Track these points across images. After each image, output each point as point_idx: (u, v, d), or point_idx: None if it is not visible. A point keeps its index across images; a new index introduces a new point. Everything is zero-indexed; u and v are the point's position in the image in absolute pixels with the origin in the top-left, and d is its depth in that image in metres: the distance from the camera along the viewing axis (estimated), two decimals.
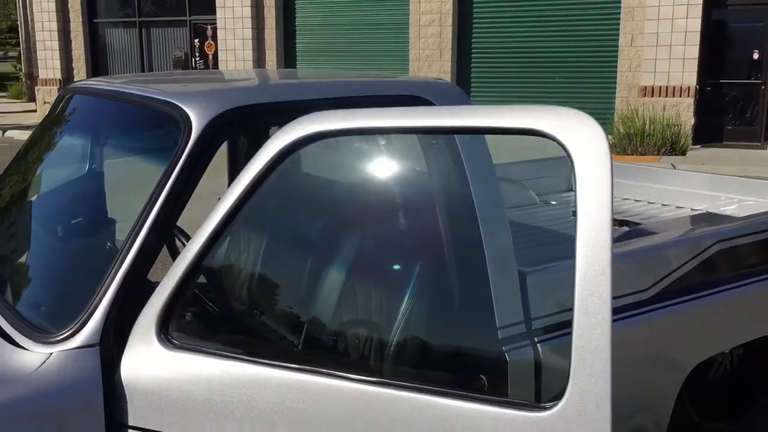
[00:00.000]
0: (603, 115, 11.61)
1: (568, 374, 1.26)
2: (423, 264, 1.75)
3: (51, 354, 1.59)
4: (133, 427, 1.59)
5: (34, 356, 1.59)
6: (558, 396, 1.27)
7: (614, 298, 2.43)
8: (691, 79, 11.32)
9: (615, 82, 11.92)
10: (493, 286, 1.75)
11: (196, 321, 1.67)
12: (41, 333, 1.65)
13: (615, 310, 2.42)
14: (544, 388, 1.76)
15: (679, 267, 2.56)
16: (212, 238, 1.58)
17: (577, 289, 1.25)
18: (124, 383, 1.60)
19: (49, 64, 16.79)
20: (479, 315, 1.75)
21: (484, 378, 1.58)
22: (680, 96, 11.41)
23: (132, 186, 2.06)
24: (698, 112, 11.44)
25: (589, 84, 12.18)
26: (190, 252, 1.61)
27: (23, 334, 1.67)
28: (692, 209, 3.97)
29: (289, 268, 1.74)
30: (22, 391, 1.52)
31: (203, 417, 1.54)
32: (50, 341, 1.62)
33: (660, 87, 11.51)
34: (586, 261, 1.25)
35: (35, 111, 17.03)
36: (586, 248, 1.25)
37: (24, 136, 12.90)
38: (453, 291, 1.75)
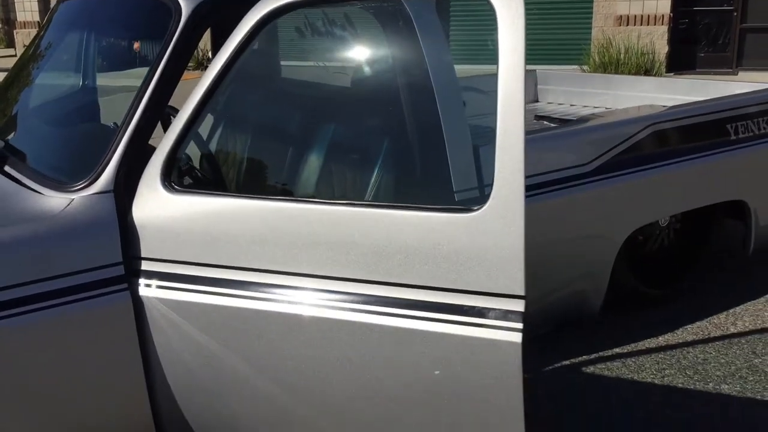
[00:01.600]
0: (579, 46, 11.85)
1: (492, 186, 1.60)
2: (389, 141, 2.07)
3: (73, 199, 1.92)
4: (145, 258, 1.93)
5: (59, 201, 1.92)
6: (483, 201, 1.61)
7: (557, 170, 2.79)
8: (665, 7, 11.54)
9: (591, 12, 12.11)
10: (450, 157, 2.07)
11: (193, 171, 1.99)
12: (63, 184, 1.97)
13: (558, 181, 2.78)
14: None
15: (617, 146, 2.91)
16: (203, 100, 1.90)
17: (499, 111, 1.57)
18: (135, 223, 1.93)
19: (26, 6, 16.69)
20: (438, 182, 2.06)
21: None
22: (654, 24, 11.65)
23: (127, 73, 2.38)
24: (672, 40, 11.70)
25: (565, 14, 12.36)
26: (185, 112, 1.92)
27: (48, 187, 2.00)
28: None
29: (270, 127, 2.06)
30: (53, 226, 1.85)
31: (201, 244, 1.87)
32: (72, 190, 1.95)
33: (635, 16, 11.73)
34: (505, 88, 1.57)
35: (15, 56, 17.00)
36: (505, 78, 1.57)
37: None
38: (415, 164, 2.06)
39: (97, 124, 2.40)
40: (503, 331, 1.59)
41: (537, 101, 5.13)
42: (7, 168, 2.24)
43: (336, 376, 1.76)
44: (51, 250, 1.83)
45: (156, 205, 1.93)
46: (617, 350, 2.92)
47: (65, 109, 2.41)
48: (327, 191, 1.91)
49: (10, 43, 18.84)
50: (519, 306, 1.59)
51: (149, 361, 1.95)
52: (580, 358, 2.87)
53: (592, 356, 2.88)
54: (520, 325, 1.58)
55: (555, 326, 3.03)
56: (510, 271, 1.58)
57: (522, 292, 1.59)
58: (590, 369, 2.79)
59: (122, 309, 1.89)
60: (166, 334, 1.91)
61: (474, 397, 1.64)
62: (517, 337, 1.58)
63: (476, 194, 2.15)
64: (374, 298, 1.71)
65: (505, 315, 1.59)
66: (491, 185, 1.60)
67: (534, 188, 2.70)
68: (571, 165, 2.80)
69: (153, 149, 2.02)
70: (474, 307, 1.62)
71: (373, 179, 1.93)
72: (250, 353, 1.84)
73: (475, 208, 1.62)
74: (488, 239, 1.60)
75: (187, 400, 1.96)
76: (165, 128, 2.40)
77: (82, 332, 1.85)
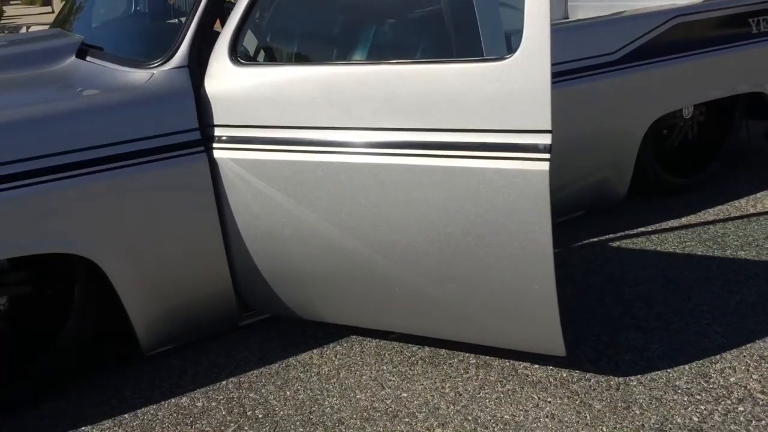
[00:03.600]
0: None
1: (521, 36, 1.82)
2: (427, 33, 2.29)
3: (153, 74, 2.20)
4: (217, 125, 2.20)
5: (143, 74, 2.20)
6: (514, 50, 1.84)
7: (584, 58, 2.98)
8: None
9: None
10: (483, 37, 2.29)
11: (257, 49, 2.25)
12: (143, 62, 2.25)
13: (584, 69, 2.97)
14: None
15: (642, 36, 3.09)
16: None
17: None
18: (208, 94, 2.20)
19: None
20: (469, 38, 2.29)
21: None
22: None
23: None
24: None
25: None
26: None
27: (130, 66, 2.28)
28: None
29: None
30: (138, 94, 2.14)
31: (266, 108, 2.13)
32: (151, 66, 2.22)
33: None
34: None
35: (52, 13, 17.33)
36: None
37: None
38: (450, 26, 2.29)
39: (164, 17, 2.68)
40: (534, 162, 1.84)
41: (566, 18, 5.27)
42: (88, 58, 2.53)
43: (390, 216, 2.03)
44: (138, 115, 2.11)
45: (225, 77, 2.20)
46: (641, 229, 3.15)
47: (134, 6, 2.69)
48: (374, 54, 2.15)
49: (46, 2, 19.21)
50: (547, 139, 1.83)
51: (224, 214, 2.24)
52: (606, 236, 3.10)
53: (618, 234, 3.12)
54: (548, 156, 1.83)
55: (582, 210, 3.26)
56: (539, 109, 1.82)
57: (550, 127, 1.82)
58: (616, 243, 3.02)
59: (200, 169, 2.17)
60: (239, 189, 2.19)
61: (509, 219, 1.89)
62: (545, 166, 1.83)
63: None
64: (420, 143, 1.96)
65: (536, 147, 1.83)
66: (518, 36, 1.83)
67: (560, 75, 2.91)
68: (597, 54, 2.99)
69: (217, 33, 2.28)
70: (508, 143, 1.87)
71: (413, 40, 2.17)
72: (312, 201, 2.12)
73: (507, 56, 1.85)
74: (519, 83, 1.83)
75: (259, 248, 2.25)
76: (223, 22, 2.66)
77: (167, 188, 2.15)
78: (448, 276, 2.04)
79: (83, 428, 2.05)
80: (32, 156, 1.97)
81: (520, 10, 1.96)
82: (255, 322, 2.52)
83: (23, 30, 13.95)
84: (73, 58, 2.54)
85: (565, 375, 2.15)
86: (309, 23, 2.28)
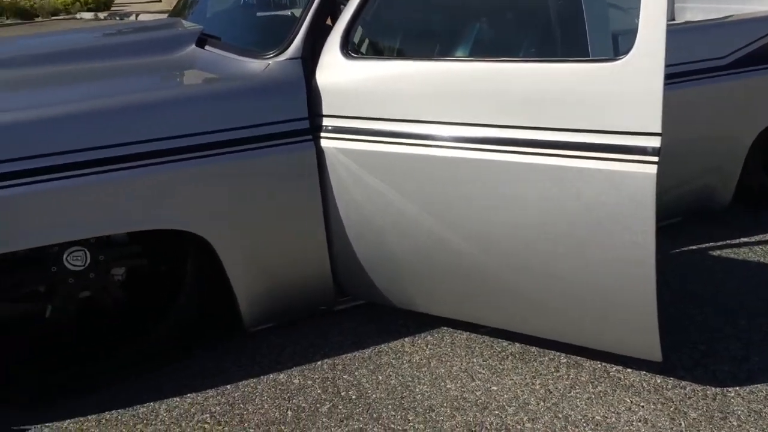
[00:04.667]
0: None
1: (635, 37, 1.81)
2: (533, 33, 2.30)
3: (269, 64, 2.31)
4: (326, 115, 2.29)
5: (259, 64, 2.31)
6: (626, 51, 1.84)
7: (694, 62, 2.91)
8: None
9: None
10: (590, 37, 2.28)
11: (368, 43, 2.32)
12: (260, 53, 2.36)
13: (694, 72, 2.90)
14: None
15: (754, 41, 2.98)
16: None
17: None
18: (318, 85, 2.29)
19: None
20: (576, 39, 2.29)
21: None
22: None
23: None
24: None
25: None
26: None
27: (247, 56, 2.40)
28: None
29: None
30: (255, 83, 2.25)
31: (374, 101, 2.20)
32: (267, 57, 2.33)
33: None
34: None
35: (160, 1, 18.09)
36: None
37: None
38: (557, 26, 2.30)
39: (278, 12, 2.80)
40: (641, 165, 1.83)
41: (673, 20, 5.12)
42: (207, 47, 2.67)
43: (490, 211, 2.07)
44: (254, 102, 2.22)
45: (336, 69, 2.28)
46: (744, 239, 3.05)
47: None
48: (481, 50, 2.19)
49: None
50: (656, 142, 1.81)
51: (327, 201, 2.32)
52: (707, 244, 3.02)
53: (719, 242, 3.03)
54: (656, 159, 1.82)
55: (684, 216, 3.19)
56: (650, 112, 1.81)
57: (660, 130, 1.81)
58: (717, 252, 2.95)
59: (308, 157, 2.26)
60: (343, 178, 2.27)
61: (612, 221, 1.89)
62: (653, 169, 1.82)
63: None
64: (524, 141, 1.98)
65: (644, 150, 1.83)
66: (631, 36, 1.82)
67: (668, 78, 2.85)
68: (706, 57, 2.91)
69: (329, 28, 2.37)
70: (615, 144, 1.86)
71: (518, 37, 2.19)
72: (413, 193, 2.17)
73: (619, 57, 1.85)
74: (631, 84, 1.82)
75: (358, 236, 2.33)
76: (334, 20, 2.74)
77: (276, 173, 2.25)
78: (545, 274, 2.06)
79: (188, 395, 2.18)
80: (154, 138, 2.11)
81: (623, 10, 1.94)
82: (349, 307, 2.61)
83: (132, 18, 14.66)
84: (193, 46, 2.68)
85: (659, 381, 2.13)
86: (418, 19, 2.34)
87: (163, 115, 2.12)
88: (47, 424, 2.08)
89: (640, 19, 1.81)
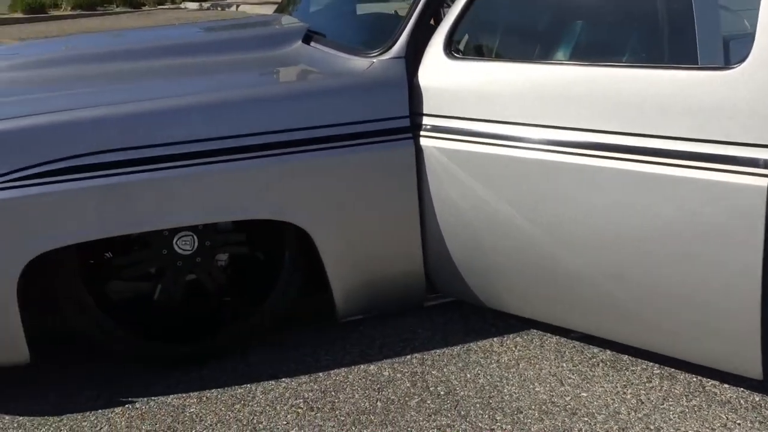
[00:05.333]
0: None
1: (752, 42, 1.76)
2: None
3: (373, 62, 2.36)
4: (426, 114, 2.33)
5: (364, 62, 2.38)
6: (741, 60, 1.78)
7: None
8: None
9: None
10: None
11: (470, 44, 2.34)
12: (365, 51, 2.42)
13: None
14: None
15: None
16: None
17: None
18: (420, 84, 2.33)
19: None
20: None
21: None
22: None
23: None
24: None
25: None
26: None
27: (352, 54, 2.47)
28: None
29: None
30: (360, 81, 2.32)
31: (475, 102, 2.22)
32: (372, 55, 2.38)
33: None
34: None
35: None
36: None
37: (256, 9, 14.39)
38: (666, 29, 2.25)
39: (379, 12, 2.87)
40: (751, 177, 1.78)
41: None
42: (312, 44, 2.76)
43: (589, 216, 2.05)
44: (358, 99, 2.29)
45: (438, 69, 2.31)
46: None
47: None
48: (585, 54, 2.17)
49: None
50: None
51: (423, 199, 2.36)
52: None
53: None
54: (767, 171, 1.76)
55: None
56: (765, 123, 1.75)
57: None
58: None
59: (407, 154, 2.31)
60: (440, 177, 2.31)
61: (716, 233, 1.85)
62: (764, 182, 1.76)
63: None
64: (626, 147, 1.96)
65: (755, 162, 1.77)
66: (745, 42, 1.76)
67: None
68: None
69: (433, 28, 2.40)
70: (724, 155, 1.82)
71: (626, 42, 2.15)
72: (511, 195, 2.18)
73: (732, 66, 1.80)
74: (745, 93, 1.77)
75: (452, 234, 2.36)
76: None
77: (375, 169, 2.31)
78: (641, 282, 2.03)
79: (282, 379, 2.28)
80: (262, 131, 2.21)
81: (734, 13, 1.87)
82: (437, 304, 2.64)
83: (233, 8, 15.14)
84: (300, 42, 2.77)
85: (757, 399, 2.06)
86: (521, 21, 2.34)
87: (271, 110, 2.21)
88: (153, 398, 2.21)
89: (759, 26, 1.76)
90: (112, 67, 2.54)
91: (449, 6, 2.41)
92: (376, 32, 2.72)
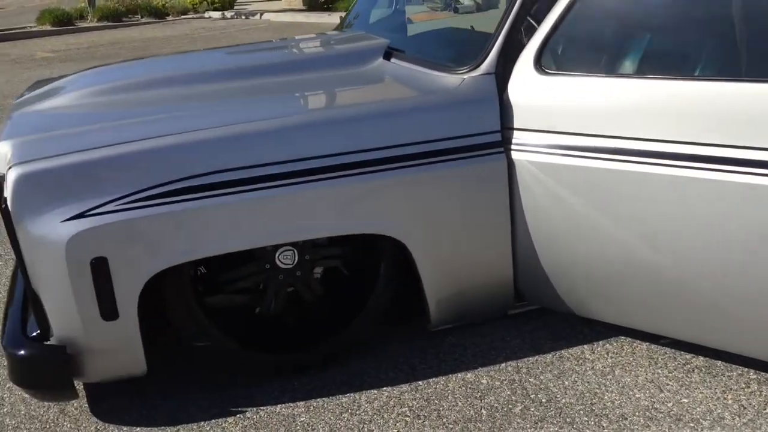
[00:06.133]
0: None
1: None
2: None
3: (464, 78, 2.43)
4: (516, 128, 2.39)
5: (454, 79, 2.44)
6: None
7: None
8: None
9: None
10: None
11: (561, 59, 2.40)
12: (454, 68, 2.49)
13: None
14: None
15: None
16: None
17: None
18: (510, 99, 2.39)
19: None
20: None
21: None
22: None
23: None
24: None
25: None
26: (557, 7, 2.33)
27: (440, 71, 2.54)
28: None
29: (630, 13, 2.39)
30: (452, 98, 2.38)
31: (565, 116, 2.28)
32: (461, 72, 2.45)
33: None
34: None
35: (280, 0, 18.71)
36: None
37: (279, 18, 14.51)
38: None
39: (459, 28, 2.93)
40: None
41: None
42: (393, 60, 2.83)
43: (687, 226, 2.10)
44: (450, 116, 2.36)
45: (528, 84, 2.37)
46: None
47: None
48: (684, 68, 2.22)
49: None
50: None
51: (514, 211, 2.42)
52: None
53: None
54: None
55: None
56: None
57: None
58: None
59: (498, 168, 2.37)
60: (531, 189, 2.37)
61: None
62: None
63: None
64: (729, 160, 2.01)
65: None
66: None
67: None
68: None
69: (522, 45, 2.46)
70: None
71: (733, 54, 2.20)
72: (606, 207, 2.24)
73: None
74: None
75: (542, 245, 2.41)
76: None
77: (468, 183, 2.37)
78: (741, 291, 2.08)
79: (384, 388, 2.34)
80: (359, 149, 2.27)
81: None
82: (521, 312, 2.70)
83: (257, 17, 15.28)
84: (381, 59, 2.84)
85: None
86: (612, 36, 2.39)
87: (372, 128, 2.28)
88: (262, 408, 2.29)
89: None
90: (208, 89, 2.62)
91: (532, 22, 2.47)
92: (457, 48, 2.79)
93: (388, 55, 2.88)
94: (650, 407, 2.16)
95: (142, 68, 3.10)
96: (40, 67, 9.97)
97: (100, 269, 2.05)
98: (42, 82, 3.20)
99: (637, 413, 2.14)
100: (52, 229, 2.01)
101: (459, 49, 2.78)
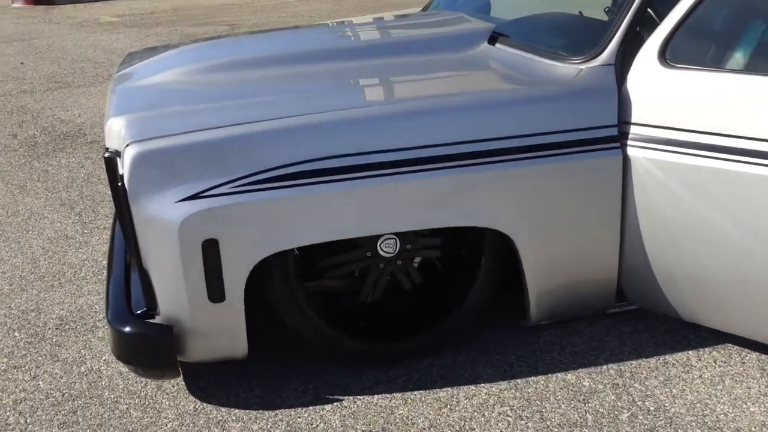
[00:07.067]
0: None
1: None
2: None
3: (581, 69, 2.33)
4: (634, 123, 2.28)
5: (570, 69, 2.34)
6: None
7: None
8: None
9: None
10: None
11: (688, 52, 2.28)
12: (572, 56, 2.38)
13: None
14: None
15: None
16: None
17: None
18: (629, 92, 2.29)
19: None
20: None
21: None
22: None
23: None
24: None
25: None
26: None
27: (553, 59, 2.43)
28: None
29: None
30: (569, 89, 2.29)
31: (689, 113, 2.17)
32: (579, 61, 2.35)
33: None
34: None
35: None
36: None
37: None
38: None
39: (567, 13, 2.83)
40: None
41: None
42: (498, 45, 2.73)
43: None
44: (566, 108, 2.26)
45: (651, 78, 2.26)
46: None
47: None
48: None
49: None
50: None
51: (626, 209, 2.33)
52: None
53: None
54: None
55: None
56: None
57: None
58: None
59: (613, 163, 2.27)
60: (646, 186, 2.27)
61: None
62: None
63: None
64: None
65: None
66: None
67: None
68: None
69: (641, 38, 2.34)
70: None
71: None
72: (729, 209, 2.13)
73: None
74: None
75: (656, 250, 2.32)
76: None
77: (579, 178, 2.28)
78: None
79: (482, 385, 2.29)
80: (467, 140, 2.19)
81: None
82: (619, 312, 2.61)
83: None
84: (485, 44, 2.75)
85: None
86: (751, 30, 2.26)
87: (479, 117, 2.20)
88: (358, 397, 2.26)
89: None
90: (314, 69, 2.55)
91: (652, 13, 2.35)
92: (568, 35, 2.68)
93: (491, 40, 2.79)
94: (767, 423, 2.07)
95: (242, 46, 3.06)
96: (106, 31, 10.06)
97: (210, 251, 2.03)
98: (135, 54, 3.18)
99: (752, 429, 2.05)
100: (167, 209, 1.99)
101: (571, 36, 2.66)
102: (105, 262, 3.21)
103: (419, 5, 4.32)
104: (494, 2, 3.46)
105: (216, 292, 2.07)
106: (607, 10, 3.04)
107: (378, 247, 2.32)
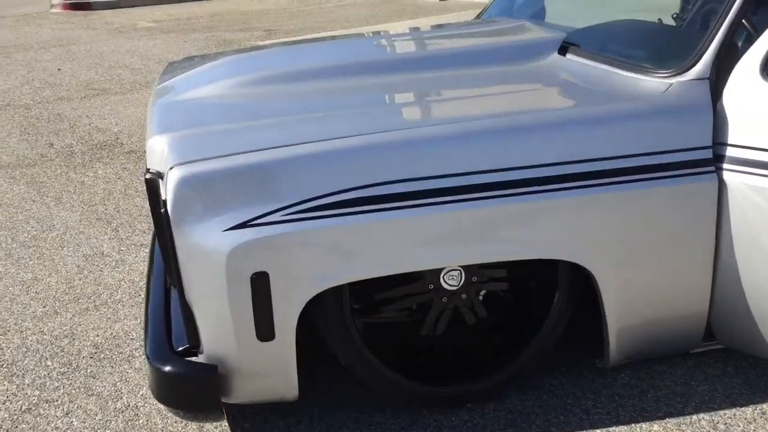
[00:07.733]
0: None
1: None
2: None
3: (671, 84, 2.08)
4: (732, 145, 2.04)
5: (657, 83, 2.10)
6: None
7: None
8: None
9: None
10: None
11: None
12: (658, 69, 2.14)
13: None
14: None
15: None
16: None
17: None
18: (725, 110, 2.04)
19: None
20: None
21: None
22: None
23: None
24: None
25: None
26: None
27: (636, 72, 2.19)
28: None
29: None
30: (657, 103, 2.04)
31: None
32: (668, 75, 2.10)
33: None
34: None
35: None
36: None
37: None
38: None
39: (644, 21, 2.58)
40: None
41: None
42: (569, 56, 2.49)
43: None
44: (654, 128, 2.02)
45: (752, 94, 2.01)
46: None
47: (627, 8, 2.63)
48: None
49: None
50: None
51: (720, 238, 2.07)
52: None
53: None
54: None
55: None
56: None
57: None
58: None
59: (707, 189, 2.02)
60: (746, 215, 2.01)
61: None
62: None
63: None
64: None
65: None
66: None
67: None
68: None
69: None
70: None
71: None
72: None
73: None
74: None
75: (752, 283, 2.06)
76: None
77: (668, 205, 2.03)
78: None
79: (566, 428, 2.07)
80: (538, 164, 1.95)
81: None
82: (703, 351, 2.35)
83: None
84: (555, 54, 2.52)
85: None
86: None
87: (557, 139, 1.97)
88: None
89: None
90: (371, 82, 2.34)
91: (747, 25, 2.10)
92: (650, 46, 2.43)
93: (561, 50, 2.55)
94: None
95: (289, 57, 2.86)
96: (143, 37, 10.00)
97: (259, 285, 1.82)
98: (176, 64, 3.01)
99: None
100: (213, 238, 1.79)
101: (655, 46, 2.41)
102: (142, 284, 3.04)
103: (456, 11, 4.09)
104: (549, 9, 3.23)
105: (265, 329, 1.87)
106: (675, 16, 2.79)
107: (441, 279, 2.10)
